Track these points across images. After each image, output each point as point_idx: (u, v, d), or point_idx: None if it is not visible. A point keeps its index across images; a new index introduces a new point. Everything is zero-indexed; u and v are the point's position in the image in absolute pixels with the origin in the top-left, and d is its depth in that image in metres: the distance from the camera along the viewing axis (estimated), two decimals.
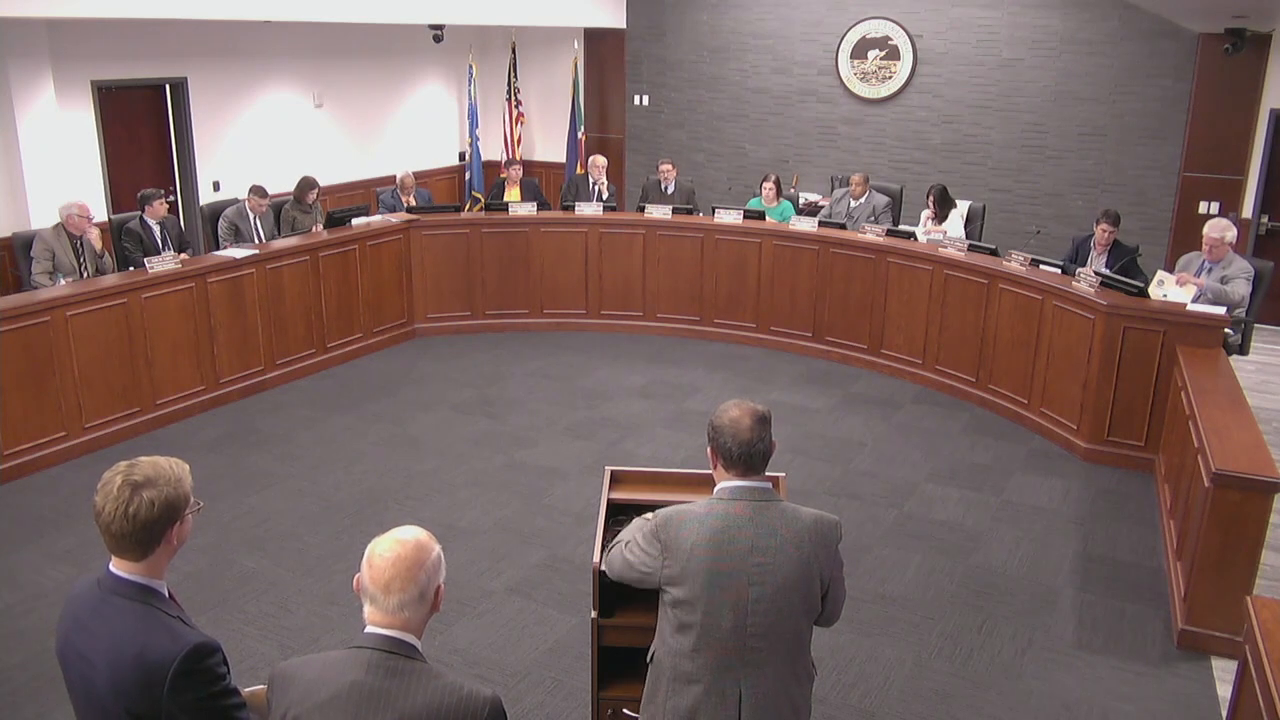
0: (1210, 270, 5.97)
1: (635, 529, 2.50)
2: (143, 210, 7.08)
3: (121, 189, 8.37)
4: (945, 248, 7.03)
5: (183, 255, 6.69)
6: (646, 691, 2.50)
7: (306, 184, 7.94)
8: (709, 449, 2.41)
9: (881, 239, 7.29)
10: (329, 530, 5.00)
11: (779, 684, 2.36)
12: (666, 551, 2.33)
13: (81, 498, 5.25)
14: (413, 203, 8.55)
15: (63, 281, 6.34)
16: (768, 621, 2.30)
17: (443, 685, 1.83)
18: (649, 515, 2.61)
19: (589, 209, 8.22)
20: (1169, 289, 5.94)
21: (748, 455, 2.33)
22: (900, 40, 9.78)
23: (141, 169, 8.63)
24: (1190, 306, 5.67)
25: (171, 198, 8.75)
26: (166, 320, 6.20)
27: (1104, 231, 6.74)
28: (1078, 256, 6.86)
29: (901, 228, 7.85)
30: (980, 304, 6.66)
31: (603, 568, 2.52)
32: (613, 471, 3.35)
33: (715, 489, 2.40)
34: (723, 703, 2.33)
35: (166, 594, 2.01)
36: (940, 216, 7.91)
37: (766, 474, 2.40)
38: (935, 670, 3.96)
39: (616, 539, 2.57)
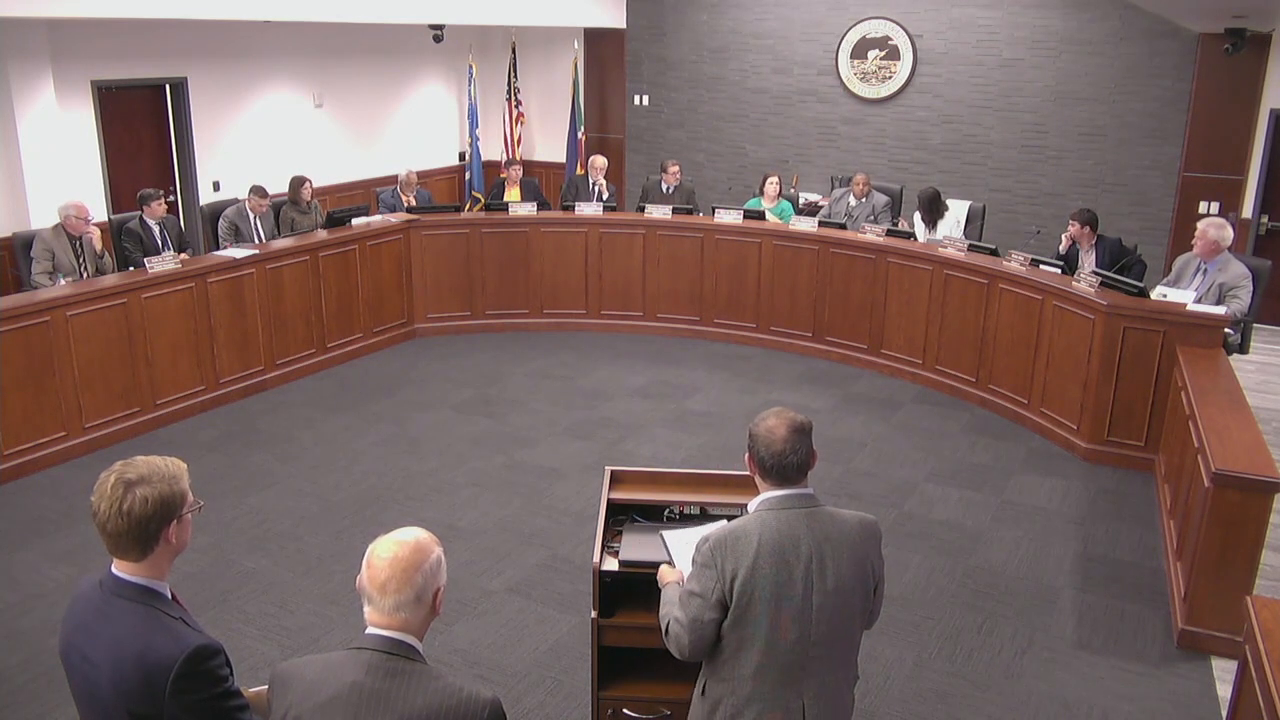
0: (1206, 272, 5.95)
1: (671, 595, 2.43)
2: (142, 210, 7.08)
3: (121, 189, 8.37)
4: (945, 248, 7.03)
5: (183, 255, 6.69)
6: None
7: (297, 181, 7.94)
8: (747, 456, 2.37)
9: (881, 239, 7.29)
10: (329, 530, 5.00)
11: (836, 690, 2.34)
12: (723, 576, 2.24)
13: (81, 498, 5.25)
14: (413, 202, 8.56)
15: (63, 281, 6.34)
16: (830, 627, 2.27)
17: (443, 687, 1.83)
18: (666, 578, 2.59)
19: (589, 209, 8.22)
20: (1170, 290, 5.94)
21: (780, 466, 2.29)
22: (900, 40, 9.78)
23: (141, 169, 8.63)
24: (1190, 306, 5.67)
25: (171, 198, 8.76)
26: (166, 320, 6.20)
27: (1072, 227, 6.78)
28: (1067, 257, 6.86)
29: (901, 228, 7.85)
30: (980, 304, 6.66)
31: (671, 650, 2.37)
32: (613, 471, 3.35)
33: (758, 499, 2.35)
34: (787, 717, 2.28)
35: (169, 595, 2.01)
36: (930, 222, 7.92)
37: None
38: (935, 670, 3.96)
39: (663, 619, 2.40)
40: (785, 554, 2.24)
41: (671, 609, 2.38)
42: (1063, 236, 7.02)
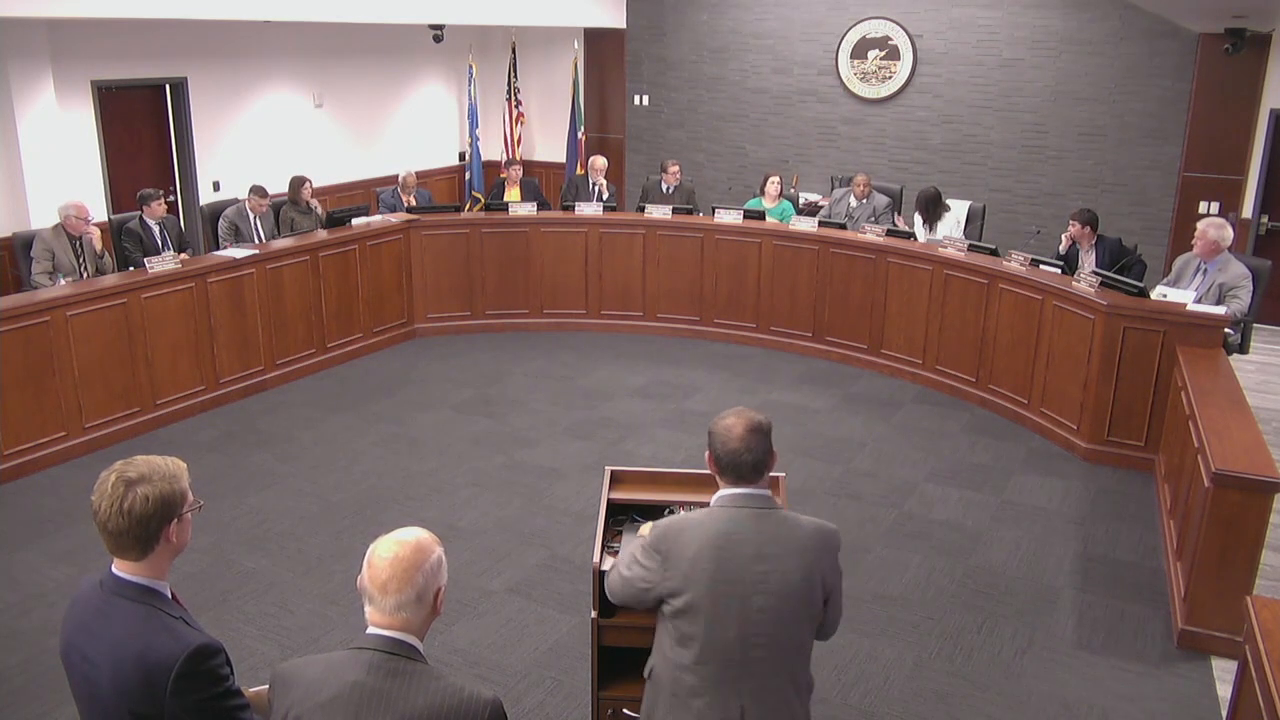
0: (1206, 272, 5.95)
1: (632, 547, 2.47)
2: (142, 210, 7.08)
3: (121, 189, 8.37)
4: (945, 248, 7.03)
5: (183, 255, 6.69)
6: (644, 709, 2.46)
7: (297, 181, 7.95)
8: (707, 453, 2.40)
9: (881, 239, 7.29)
10: (329, 530, 5.00)
11: (781, 697, 2.33)
12: (667, 562, 2.30)
13: (81, 498, 5.22)
14: (413, 202, 8.56)
15: (63, 281, 6.34)
16: (772, 631, 2.27)
17: (443, 687, 1.83)
18: (644, 532, 2.61)
19: (589, 209, 8.22)
20: (1170, 290, 5.94)
21: (735, 464, 2.31)
22: (900, 40, 9.78)
23: (141, 169, 8.63)
24: (1190, 306, 5.67)
25: (171, 198, 8.76)
26: (166, 320, 6.20)
27: (1072, 227, 6.78)
28: (1066, 257, 6.86)
29: (901, 228, 7.85)
30: (980, 304, 6.66)
31: (605, 592, 2.50)
32: (613, 471, 3.35)
33: (715, 496, 2.38)
34: (725, 717, 2.29)
35: (169, 595, 2.01)
36: (929, 223, 7.92)
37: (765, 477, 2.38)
38: (935, 670, 3.96)
39: (614, 564, 2.53)
40: (727, 551, 2.26)
41: (620, 564, 2.46)
42: (1062, 236, 7.03)
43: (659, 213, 8.11)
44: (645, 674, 2.47)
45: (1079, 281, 6.05)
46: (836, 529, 2.38)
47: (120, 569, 1.98)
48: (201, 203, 8.55)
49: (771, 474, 2.43)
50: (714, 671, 2.28)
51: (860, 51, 10.00)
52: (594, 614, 2.96)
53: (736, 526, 2.29)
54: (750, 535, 2.27)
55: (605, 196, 8.89)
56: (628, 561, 2.42)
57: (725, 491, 2.35)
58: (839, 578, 2.37)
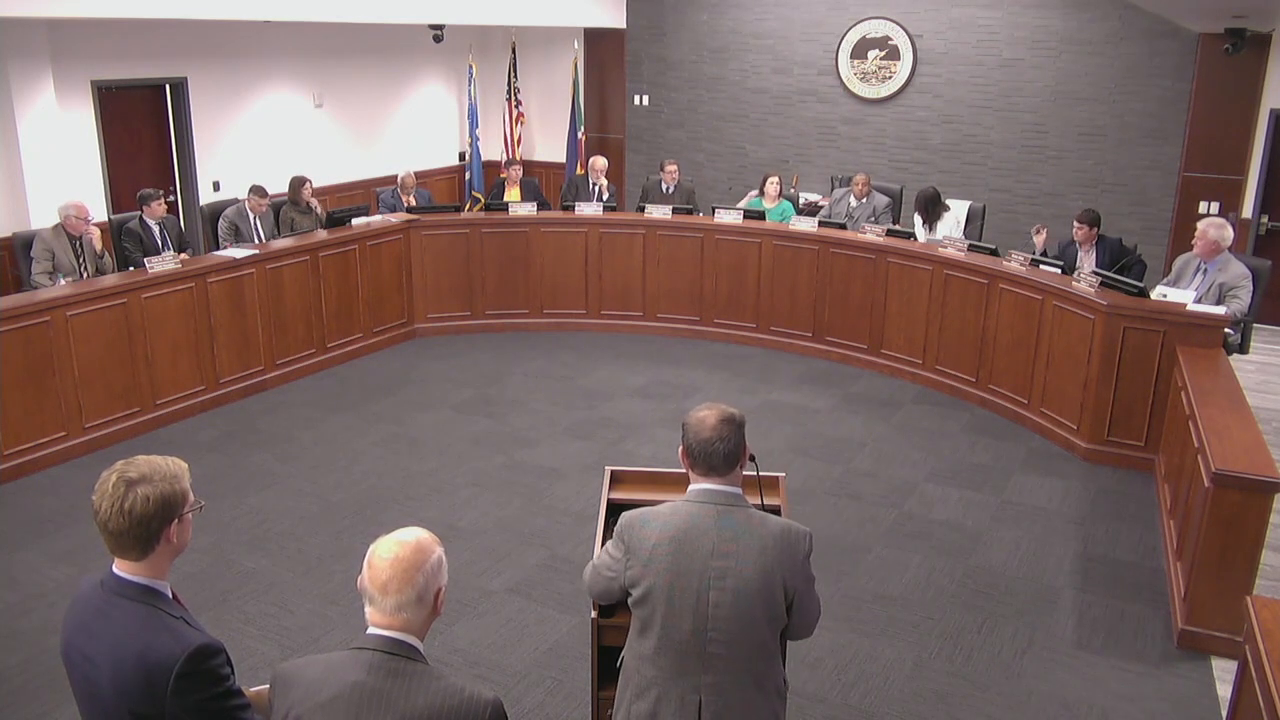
0: (1206, 272, 5.95)
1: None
2: (142, 210, 7.08)
3: (121, 189, 8.37)
4: (945, 248, 7.03)
5: (183, 255, 6.69)
6: (617, 697, 2.48)
7: (297, 182, 7.94)
8: (680, 448, 2.39)
9: (881, 239, 7.29)
10: (329, 530, 5.00)
11: (741, 695, 2.32)
12: (629, 553, 2.33)
13: (81, 498, 5.25)
14: (413, 202, 8.56)
15: (63, 281, 6.34)
16: (729, 629, 2.26)
17: (444, 687, 1.83)
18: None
19: (589, 209, 8.22)
20: (1170, 290, 5.94)
21: (706, 454, 2.31)
22: (900, 40, 9.78)
23: (141, 169, 8.63)
24: (1190, 306, 5.67)
25: (171, 198, 8.76)
26: (166, 320, 6.20)
27: (1078, 229, 6.78)
28: (1063, 256, 6.86)
29: (901, 228, 7.85)
30: (980, 304, 6.66)
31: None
32: (613, 471, 3.35)
33: (687, 490, 2.38)
34: (682, 709, 2.30)
35: (170, 595, 2.01)
36: (928, 223, 7.92)
37: (763, 474, 2.38)
38: (935, 670, 3.96)
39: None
40: (685, 545, 2.27)
41: (597, 553, 2.52)
42: (1034, 239, 7.12)
43: (659, 213, 8.11)
44: (616, 665, 2.50)
45: (1079, 281, 6.05)
46: (808, 532, 2.34)
47: (121, 569, 1.97)
48: (201, 203, 8.55)
49: (770, 473, 2.43)
50: (671, 663, 2.30)
51: (860, 51, 10.00)
52: (594, 614, 2.96)
53: (698, 521, 2.29)
54: (710, 530, 2.27)
55: (605, 196, 8.89)
56: (602, 553, 2.47)
57: (695, 486, 2.36)
58: (807, 582, 2.34)
